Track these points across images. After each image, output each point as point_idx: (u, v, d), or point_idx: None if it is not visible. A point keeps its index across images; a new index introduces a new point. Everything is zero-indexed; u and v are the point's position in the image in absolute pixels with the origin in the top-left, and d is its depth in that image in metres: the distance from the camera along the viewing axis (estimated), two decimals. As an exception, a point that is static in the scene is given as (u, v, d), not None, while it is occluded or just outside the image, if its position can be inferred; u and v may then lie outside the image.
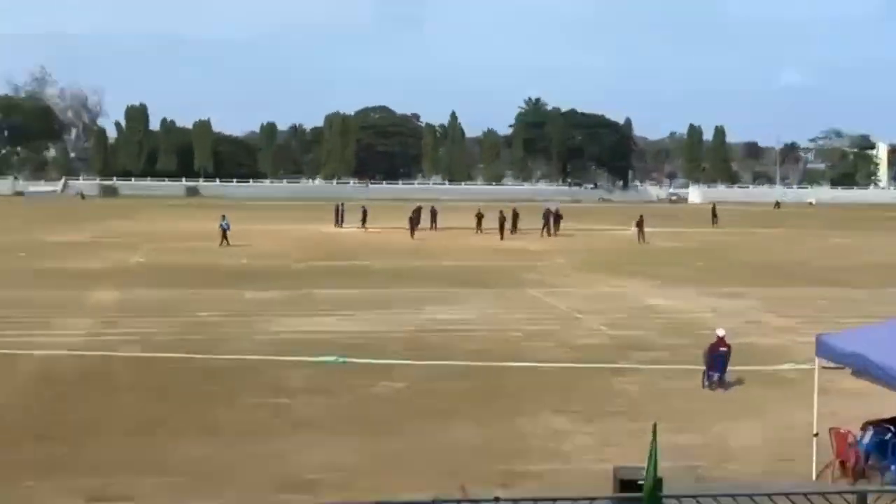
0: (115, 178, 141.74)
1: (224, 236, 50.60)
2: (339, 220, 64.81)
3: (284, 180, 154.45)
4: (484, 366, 21.01)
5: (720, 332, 19.83)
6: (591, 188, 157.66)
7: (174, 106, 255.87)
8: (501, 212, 59.09)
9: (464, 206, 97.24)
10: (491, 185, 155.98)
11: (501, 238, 55.59)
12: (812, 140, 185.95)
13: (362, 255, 45.80)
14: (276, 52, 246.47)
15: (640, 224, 56.77)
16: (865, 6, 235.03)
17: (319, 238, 56.65)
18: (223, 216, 52.16)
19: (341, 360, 21.35)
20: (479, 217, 61.65)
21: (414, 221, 58.40)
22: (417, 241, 54.47)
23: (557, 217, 62.01)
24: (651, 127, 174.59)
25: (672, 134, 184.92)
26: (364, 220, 63.89)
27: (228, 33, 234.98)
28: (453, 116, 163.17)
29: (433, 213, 64.36)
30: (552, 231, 59.89)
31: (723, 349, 19.41)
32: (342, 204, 68.82)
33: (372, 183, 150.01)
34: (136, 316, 27.17)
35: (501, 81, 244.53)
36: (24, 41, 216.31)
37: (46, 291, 31.83)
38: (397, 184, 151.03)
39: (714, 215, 77.32)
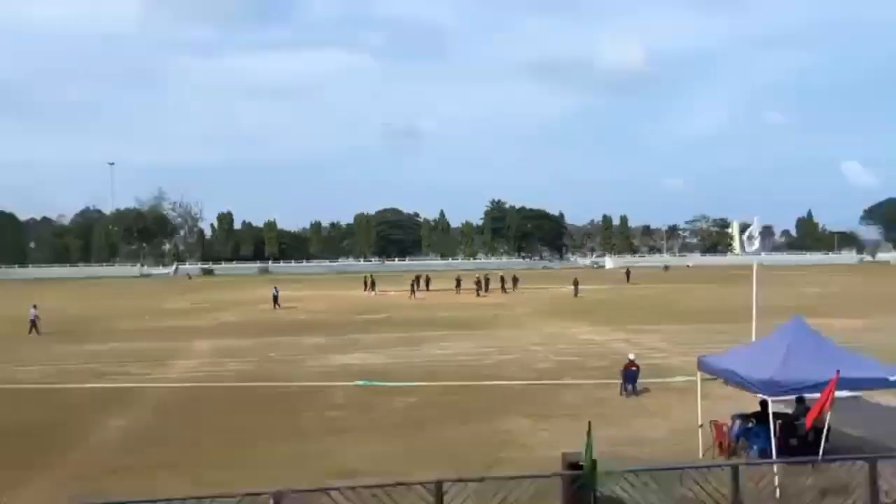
0: (210, 262, 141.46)
1: (276, 301, 47.84)
2: (366, 287, 64.14)
3: (327, 261, 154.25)
4: (470, 385, 20.87)
5: (631, 356, 19.80)
6: (538, 259, 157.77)
7: (252, 211, 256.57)
8: (478, 278, 59.14)
9: (450, 274, 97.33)
10: (469, 259, 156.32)
11: (477, 295, 55.25)
12: (687, 222, 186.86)
13: (382, 310, 45.58)
14: (320, 171, 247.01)
15: (575, 283, 56.66)
16: (713, 130, 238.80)
17: (351, 300, 56.38)
18: (275, 287, 50.87)
19: (369, 383, 21.19)
20: (458, 280, 61.53)
21: (413, 286, 57.31)
22: (418, 300, 54.07)
23: (514, 280, 62.55)
24: (578, 216, 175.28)
25: (591, 221, 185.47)
26: (374, 286, 62.03)
27: (287, 157, 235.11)
28: (441, 213, 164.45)
29: (427, 280, 64.30)
30: (505, 289, 59.26)
31: (633, 368, 19.36)
32: (369, 275, 68.06)
33: (387, 260, 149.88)
34: (227, 357, 26.96)
35: (474, 188, 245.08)
36: (147, 171, 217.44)
37: (164, 343, 31.59)
38: (405, 260, 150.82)
39: (627, 275, 77.65)
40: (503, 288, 59.87)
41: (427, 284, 62.75)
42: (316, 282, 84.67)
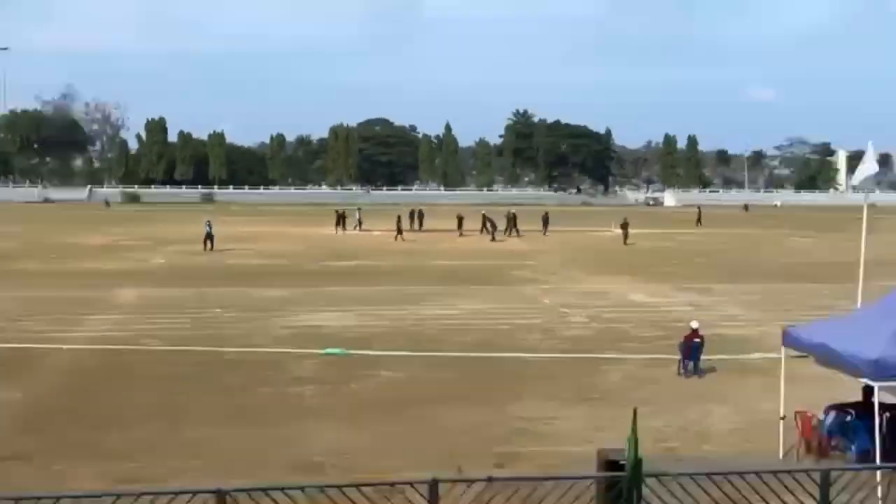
0: (136, 185, 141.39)
1: (209, 240, 47.87)
2: (338, 223, 64.05)
3: (292, 187, 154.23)
4: (476, 356, 21.02)
5: (694, 325, 19.91)
6: (575, 193, 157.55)
7: (190, 119, 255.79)
8: (483, 214, 58.52)
9: (457, 210, 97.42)
10: (483, 190, 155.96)
11: (493, 239, 55.07)
12: (777, 148, 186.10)
13: (362, 256, 45.73)
14: (282, 69, 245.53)
15: (624, 226, 56.08)
16: (821, 27, 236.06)
17: (323, 240, 56.46)
18: (207, 221, 49.90)
19: (346, 352, 21.38)
20: (460, 220, 61.71)
21: (399, 223, 56.64)
22: (407, 241, 53.98)
23: (545, 220, 62.83)
24: (629, 136, 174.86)
25: (648, 143, 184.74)
26: (348, 224, 62.38)
27: (238, 48, 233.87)
28: (447, 127, 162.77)
29: (420, 216, 65.08)
30: (513, 232, 59.52)
31: (697, 340, 19.48)
32: (342, 210, 68.04)
33: (373, 189, 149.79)
34: (160, 313, 27.17)
35: (492, 95, 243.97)
36: (51, 59, 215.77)
37: (75, 291, 31.80)
38: (396, 190, 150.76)
39: (699, 216, 77.95)
40: (509, 229, 59.43)
41: (420, 222, 62.89)
42: (276, 215, 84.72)
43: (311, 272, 38.43)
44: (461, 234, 59.34)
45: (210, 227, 48.82)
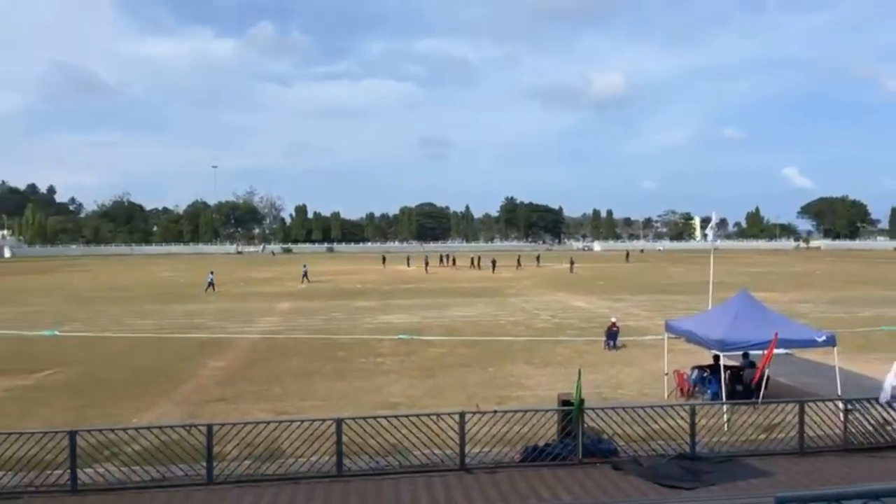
0: (289, 243, 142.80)
1: (305, 277, 43.65)
2: (408, 263, 64.29)
3: (378, 242, 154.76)
4: (484, 339, 20.86)
5: (613, 319, 19.65)
6: (542, 243, 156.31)
7: (321, 204, 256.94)
8: (493, 260, 58.08)
9: (472, 254, 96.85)
10: (487, 243, 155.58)
11: (493, 271, 54.35)
12: (659, 215, 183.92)
13: (413, 282, 45.72)
14: (373, 172, 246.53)
15: (571, 262, 56.16)
16: (681, 141, 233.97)
17: (394, 273, 56.61)
18: (304, 265, 47.14)
19: (409, 336, 21.28)
20: (473, 259, 61.46)
21: (427, 261, 56.33)
22: (430, 274, 53.67)
23: (537, 258, 63.14)
24: (574, 209, 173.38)
25: (584, 214, 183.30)
26: (427, 264, 61.36)
27: (349, 164, 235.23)
28: (466, 207, 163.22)
29: (452, 258, 65.59)
30: (494, 269, 58.16)
31: (615, 329, 19.20)
32: (409, 257, 68.52)
33: (425, 243, 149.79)
34: (301, 316, 27.24)
35: (493, 185, 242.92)
36: (242, 173, 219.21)
37: (253, 304, 32.03)
38: (438, 243, 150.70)
39: (627, 255, 77.24)
40: (492, 267, 58.84)
41: (453, 261, 62.80)
42: (368, 261, 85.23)
43: (385, 291, 38.50)
44: (473, 267, 59.17)
45: (306, 269, 46.46)
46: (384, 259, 68.83)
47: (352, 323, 24.87)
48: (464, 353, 18.61)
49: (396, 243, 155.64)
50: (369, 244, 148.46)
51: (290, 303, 32.41)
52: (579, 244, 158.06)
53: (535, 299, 33.21)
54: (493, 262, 54.37)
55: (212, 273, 40.80)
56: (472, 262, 60.27)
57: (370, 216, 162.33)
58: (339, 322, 25.22)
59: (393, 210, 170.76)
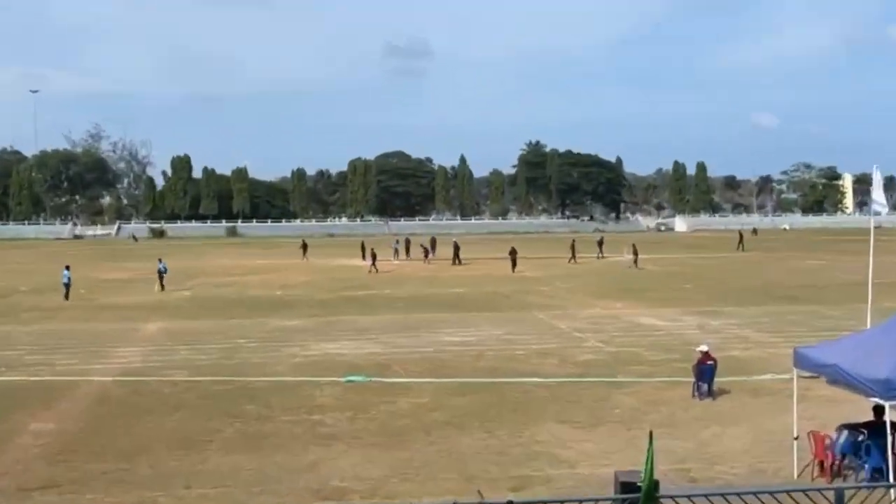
0: (162, 221, 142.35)
1: (161, 279, 44.31)
2: (364, 254, 64.64)
3: (313, 220, 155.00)
4: (491, 382, 20.91)
5: (703, 347, 19.74)
6: (588, 219, 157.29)
7: (214, 156, 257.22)
8: (513, 249, 56.72)
9: (472, 240, 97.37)
10: (497, 219, 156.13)
11: (513, 269, 53.16)
12: (784, 173, 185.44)
13: (379, 285, 45.85)
14: (303, 107, 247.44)
15: (635, 251, 56.75)
16: (822, 49, 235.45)
17: (342, 272, 56.77)
18: (160, 260, 46.48)
19: (365, 378, 21.30)
20: (456, 252, 61.62)
21: (374, 256, 56.27)
22: (416, 271, 54.25)
23: (572, 247, 63.35)
24: (640, 164, 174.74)
25: (659, 170, 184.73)
26: (374, 258, 60.04)
27: (261, 88, 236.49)
28: (462, 159, 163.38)
29: (430, 242, 67.04)
30: (458, 261, 60.17)
31: (709, 363, 19.30)
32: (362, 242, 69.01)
33: (391, 220, 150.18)
34: (183, 344, 27.19)
35: (504, 128, 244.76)
36: (80, 100, 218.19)
37: (101, 323, 31.91)
38: (414, 220, 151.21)
39: (741, 240, 76.60)
40: (456, 259, 60.40)
41: (427, 251, 63.43)
42: (298, 247, 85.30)
43: (325, 301, 38.55)
44: (455, 262, 59.78)
45: (163, 266, 45.26)
46: (304, 247, 70.25)
47: (269, 355, 24.88)
48: (457, 406, 18.65)
49: (344, 220, 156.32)
50: (298, 222, 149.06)
51: (165, 321, 32.44)
52: (651, 221, 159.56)
53: (577, 313, 33.39)
54: (513, 255, 54.22)
55: (68, 269, 41.70)
56: (455, 257, 61.04)
57: (299, 175, 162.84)
58: (247, 354, 25.22)
59: (338, 165, 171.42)
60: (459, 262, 60.20)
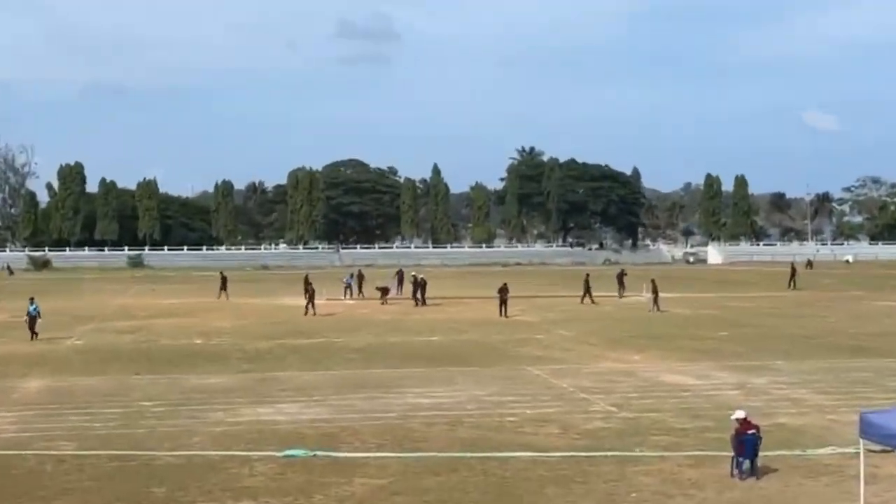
0: (46, 248, 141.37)
1: (31, 325, 43.70)
2: (308, 293, 64.28)
3: (243, 247, 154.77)
4: (474, 458, 20.83)
5: (740, 414, 19.75)
6: (596, 248, 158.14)
7: (114, 165, 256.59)
8: (503, 286, 56.65)
9: (448, 274, 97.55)
10: (481, 246, 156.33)
11: (502, 311, 53.04)
12: (847, 189, 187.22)
13: (327, 331, 45.79)
14: (230, 103, 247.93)
15: (654, 290, 56.95)
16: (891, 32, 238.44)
17: (279, 314, 56.62)
18: (31, 300, 45.42)
19: (308, 453, 21.17)
20: (417, 283, 62.79)
21: (311, 294, 56.68)
22: (392, 314, 54.30)
23: (621, 278, 66.74)
24: (663, 178, 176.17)
25: (687, 186, 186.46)
26: (311, 298, 58.20)
27: (175, 79, 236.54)
28: (435, 170, 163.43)
29: (360, 277, 69.29)
30: (420, 300, 61.10)
31: (751, 432, 19.32)
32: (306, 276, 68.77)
33: (344, 247, 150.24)
34: (70, 406, 26.91)
35: (489, 131, 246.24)
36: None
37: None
38: (373, 248, 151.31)
39: (793, 273, 77.66)
40: (416, 298, 61.33)
41: (384, 292, 63.96)
42: (215, 282, 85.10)
43: (264, 353, 38.44)
44: (416, 302, 60.32)
45: (34, 308, 44.40)
46: (223, 281, 70.36)
47: (185, 423, 24.68)
48: (428, 488, 18.56)
49: (283, 247, 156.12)
50: (222, 250, 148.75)
51: (48, 378, 32.14)
52: (676, 250, 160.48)
53: (583, 368, 33.46)
54: (502, 294, 54.01)
55: None
56: (416, 294, 61.99)
57: (223, 190, 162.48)
58: (155, 421, 25.00)
59: (276, 177, 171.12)
60: (424, 303, 60.51)
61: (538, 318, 51.80)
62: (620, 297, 64.98)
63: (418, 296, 61.46)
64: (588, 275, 64.86)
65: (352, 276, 69.53)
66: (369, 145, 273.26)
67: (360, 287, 68.05)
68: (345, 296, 65.37)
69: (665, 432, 23.20)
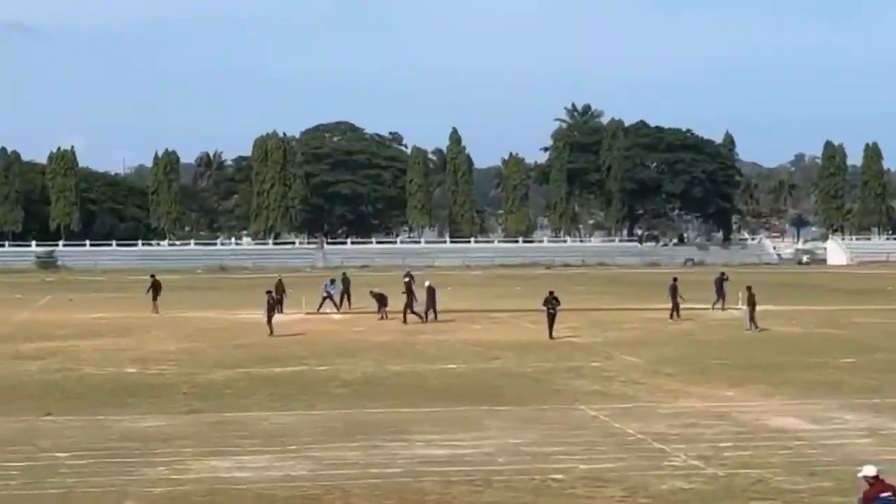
0: None
1: None
2: (276, 303, 64.56)
3: (192, 241, 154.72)
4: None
5: (869, 471, 19.68)
6: (674, 244, 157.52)
7: (20, 132, 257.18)
8: (550, 296, 56.61)
9: (472, 280, 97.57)
10: (516, 241, 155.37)
11: (551, 332, 52.58)
12: None
13: (309, 357, 45.74)
14: (174, 49, 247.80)
15: (751, 300, 56.70)
16: None
17: (240, 332, 56.51)
18: None
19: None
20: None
21: (273, 300, 57.88)
22: (396, 334, 54.30)
23: (720, 281, 66.73)
24: (765, 149, 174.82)
25: (798, 158, 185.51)
26: (270, 311, 61.21)
27: (103, 21, 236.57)
28: (454, 137, 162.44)
29: (408, 282, 67.13)
30: (425, 315, 61.49)
31: (885, 495, 19.29)
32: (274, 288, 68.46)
33: (329, 242, 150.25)
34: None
35: (527, 83, 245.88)
36: None
37: None
38: (370, 242, 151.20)
39: None
40: (676, 304, 61.75)
41: (382, 301, 64.28)
42: (165, 291, 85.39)
43: (221, 386, 38.43)
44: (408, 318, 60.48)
45: None
46: (155, 288, 70.91)
47: (112, 482, 24.69)
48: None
49: (247, 241, 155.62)
50: (165, 245, 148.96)
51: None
52: (785, 247, 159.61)
53: (656, 408, 33.47)
54: (550, 306, 53.89)
55: None
56: (428, 307, 62.51)
57: (167, 164, 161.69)
58: (73, 479, 24.95)
59: (237, 147, 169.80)
60: (435, 317, 60.86)
61: (595, 339, 51.73)
62: (724, 308, 65.28)
63: (415, 308, 61.60)
64: (676, 280, 64.55)
65: (332, 282, 69.31)
66: (364, 104, 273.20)
67: (347, 295, 68.63)
68: (323, 307, 66.07)
69: (769, 496, 23.18)
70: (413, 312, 61.44)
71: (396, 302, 62.53)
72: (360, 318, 63.01)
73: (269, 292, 58.70)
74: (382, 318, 61.63)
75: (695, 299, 66.05)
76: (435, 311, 61.37)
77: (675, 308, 61.93)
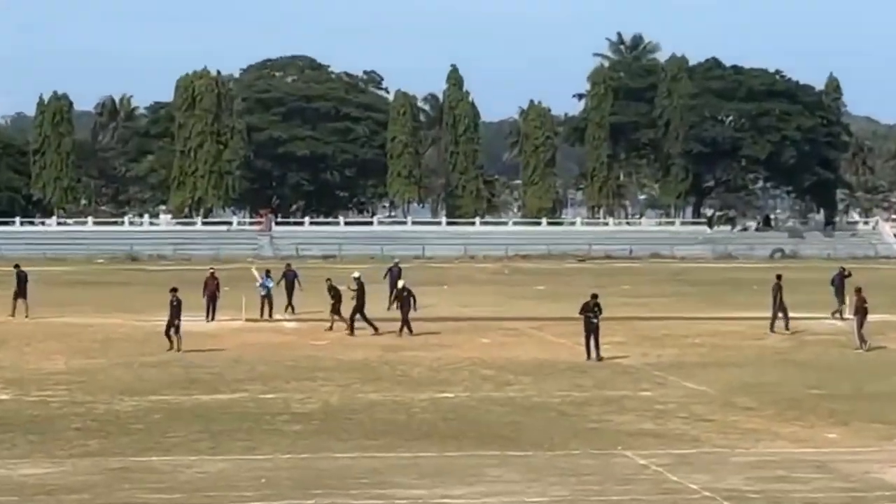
0: None
1: None
2: (210, 307, 65.06)
3: (90, 220, 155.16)
4: None
5: None
6: (758, 228, 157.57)
7: None
8: (592, 300, 56.79)
9: (475, 274, 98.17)
10: (539, 222, 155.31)
11: (595, 353, 52.58)
12: None
13: (258, 380, 45.92)
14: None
15: (861, 306, 56.70)
16: None
17: (162, 344, 56.67)
18: None
19: None
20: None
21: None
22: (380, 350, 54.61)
23: (588, 316, 64.06)
24: (882, 101, 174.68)
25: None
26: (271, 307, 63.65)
27: None
28: (454, 79, 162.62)
29: (393, 278, 69.28)
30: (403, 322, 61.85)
31: None
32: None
33: (279, 222, 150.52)
34: None
35: (555, 13, 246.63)
36: None
37: None
38: (337, 223, 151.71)
39: None
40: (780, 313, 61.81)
41: (335, 300, 64.42)
42: (48, 285, 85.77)
43: (129, 418, 38.62)
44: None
45: None
46: (20, 282, 72.39)
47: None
48: None
49: (166, 220, 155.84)
50: (52, 224, 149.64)
51: None
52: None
53: (729, 455, 33.52)
54: (589, 314, 54.04)
55: None
56: (406, 314, 62.76)
57: (56, 112, 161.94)
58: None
59: (154, 92, 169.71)
60: (409, 330, 61.33)
61: (646, 359, 51.99)
62: (843, 318, 65.76)
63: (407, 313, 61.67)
64: (780, 277, 64.37)
65: (268, 273, 69.18)
66: (330, 33, 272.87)
67: (288, 293, 69.57)
68: (269, 312, 66.84)
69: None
70: (339, 317, 62.33)
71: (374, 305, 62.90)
72: (320, 326, 63.00)
73: (173, 290, 57.99)
74: (330, 326, 61.59)
75: (790, 305, 66.02)
76: (406, 318, 61.06)
77: (783, 313, 62.31)
